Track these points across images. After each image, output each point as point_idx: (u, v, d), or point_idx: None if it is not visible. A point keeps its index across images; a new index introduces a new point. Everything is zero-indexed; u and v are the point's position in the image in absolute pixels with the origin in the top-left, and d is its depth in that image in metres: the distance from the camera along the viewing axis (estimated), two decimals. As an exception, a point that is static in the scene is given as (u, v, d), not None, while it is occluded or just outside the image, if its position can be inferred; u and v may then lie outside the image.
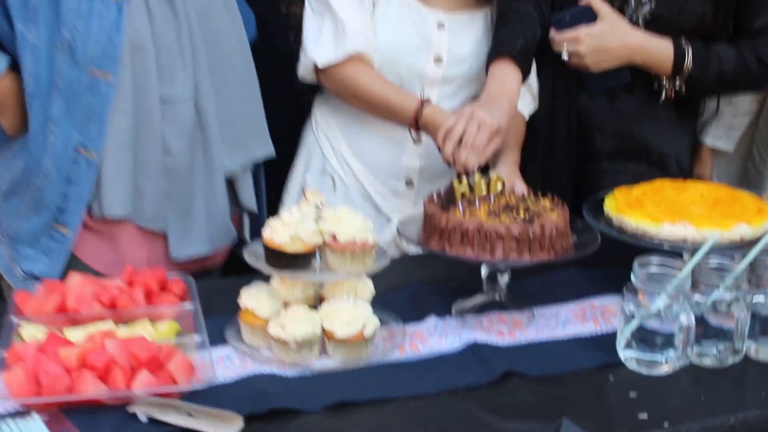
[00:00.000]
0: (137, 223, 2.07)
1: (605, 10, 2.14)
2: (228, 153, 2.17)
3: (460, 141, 1.96)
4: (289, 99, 2.50)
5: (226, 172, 2.17)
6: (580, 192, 2.22)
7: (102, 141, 1.99)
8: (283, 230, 1.63)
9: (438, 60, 2.25)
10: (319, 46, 2.20)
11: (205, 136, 2.11)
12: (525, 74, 2.13)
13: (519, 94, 2.13)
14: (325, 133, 2.37)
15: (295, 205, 1.72)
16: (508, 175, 2.11)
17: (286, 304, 1.68)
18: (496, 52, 2.14)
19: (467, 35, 2.28)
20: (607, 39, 2.13)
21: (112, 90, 1.97)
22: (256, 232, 2.27)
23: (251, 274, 1.78)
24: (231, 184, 2.21)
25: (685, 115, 2.27)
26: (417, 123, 2.14)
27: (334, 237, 1.65)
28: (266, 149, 2.27)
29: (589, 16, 2.15)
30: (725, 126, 2.65)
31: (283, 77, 2.41)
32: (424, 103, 2.14)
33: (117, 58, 1.97)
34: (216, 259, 2.22)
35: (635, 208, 1.88)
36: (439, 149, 2.02)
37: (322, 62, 2.20)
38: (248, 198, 2.26)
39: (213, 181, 2.14)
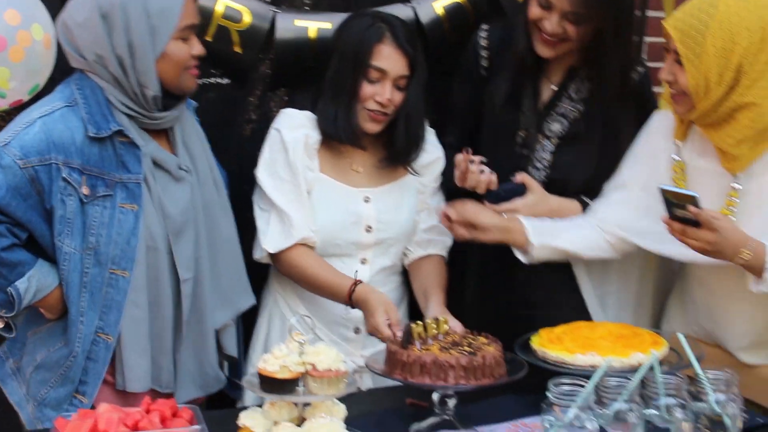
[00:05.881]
0: (154, 388, 2.37)
1: (534, 184, 2.69)
2: (219, 310, 2.50)
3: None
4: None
5: (216, 327, 2.50)
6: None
7: (118, 326, 2.30)
8: (274, 361, 2.02)
9: (368, 229, 2.71)
10: (268, 236, 2.61)
11: (200, 304, 2.43)
12: None
13: None
14: (283, 297, 2.75)
15: (283, 343, 2.09)
16: (441, 315, 2.47)
17: (276, 424, 2.04)
18: None
19: (390, 203, 2.74)
20: (538, 206, 2.68)
21: (129, 285, 2.30)
22: (233, 374, 2.62)
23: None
24: (216, 333, 2.52)
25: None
26: (351, 300, 2.55)
27: (314, 366, 2.04)
28: (249, 300, 2.61)
29: (520, 190, 2.67)
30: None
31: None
32: (356, 283, 2.56)
33: (134, 258, 2.29)
34: (199, 399, 2.51)
35: (555, 343, 2.31)
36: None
37: (272, 249, 2.61)
38: (231, 346, 2.58)
39: (205, 337, 2.45)
